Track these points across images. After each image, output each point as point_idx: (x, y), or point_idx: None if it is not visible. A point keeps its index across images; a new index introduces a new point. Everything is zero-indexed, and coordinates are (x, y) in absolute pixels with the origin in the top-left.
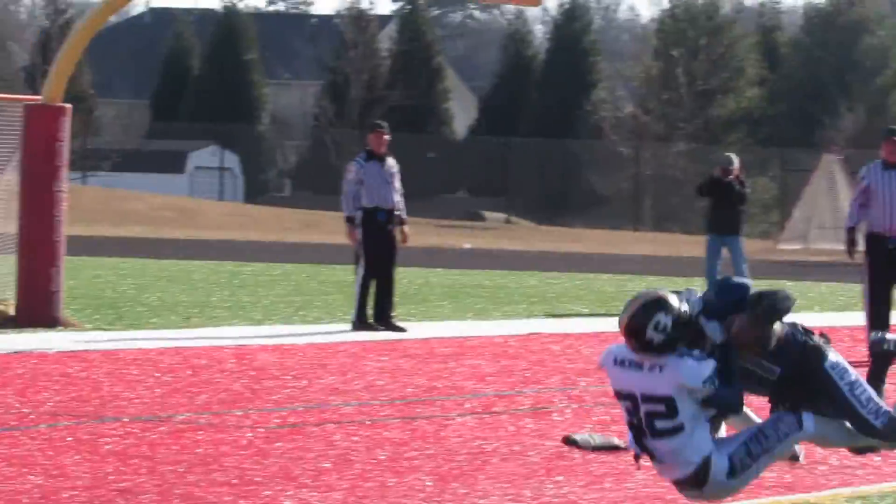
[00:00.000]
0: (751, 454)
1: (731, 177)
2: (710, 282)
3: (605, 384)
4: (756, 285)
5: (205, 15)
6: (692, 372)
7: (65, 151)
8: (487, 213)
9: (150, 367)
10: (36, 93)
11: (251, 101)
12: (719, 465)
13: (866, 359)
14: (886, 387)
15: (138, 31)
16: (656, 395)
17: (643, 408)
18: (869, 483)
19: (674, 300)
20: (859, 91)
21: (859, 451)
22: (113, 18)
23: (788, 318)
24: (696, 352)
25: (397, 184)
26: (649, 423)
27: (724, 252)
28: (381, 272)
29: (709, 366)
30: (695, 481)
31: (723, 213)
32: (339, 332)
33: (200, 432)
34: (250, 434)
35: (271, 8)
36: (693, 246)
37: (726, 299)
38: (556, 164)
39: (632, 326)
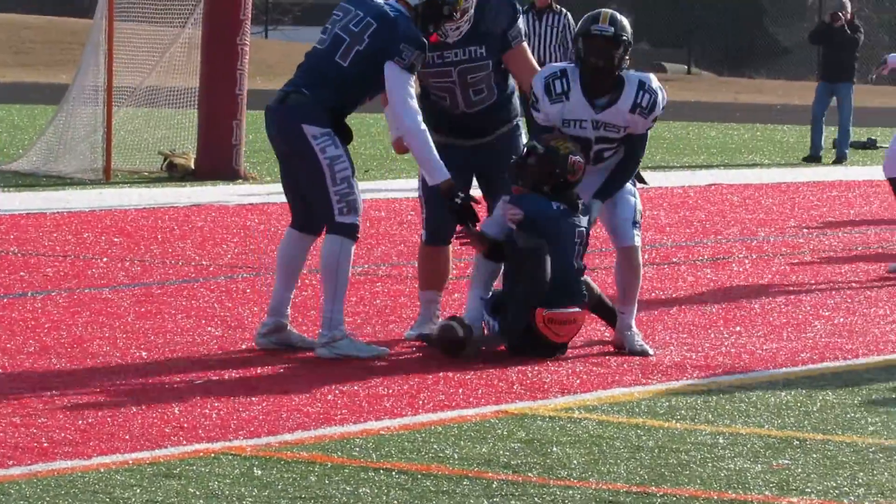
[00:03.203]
0: None
1: (840, 23)
2: (814, 127)
3: (785, 234)
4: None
5: None
6: None
7: (248, 4)
8: (668, 65)
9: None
10: None
11: None
12: None
13: None
14: None
15: None
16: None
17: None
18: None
19: None
20: None
21: None
22: None
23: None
24: None
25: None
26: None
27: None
28: None
29: None
30: None
31: (833, 59)
32: None
33: (378, 284)
34: None
35: None
36: (875, 96)
37: None
38: (739, 15)
39: None
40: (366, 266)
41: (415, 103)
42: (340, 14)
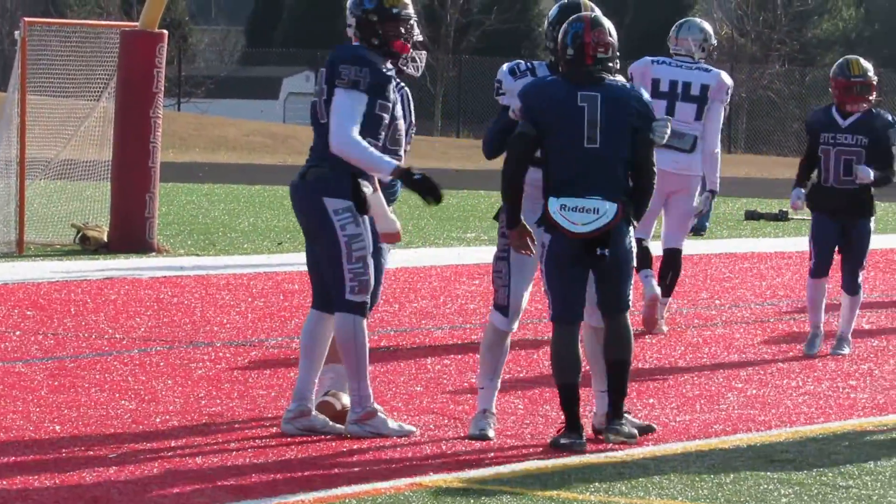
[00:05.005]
0: None
1: None
2: None
3: (697, 306)
4: None
5: None
6: None
7: (161, 78)
8: None
9: (242, 292)
10: (132, 20)
11: (345, 26)
12: None
13: None
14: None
15: None
16: None
17: None
18: None
19: None
20: None
21: None
22: None
23: None
24: None
25: None
26: None
27: None
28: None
29: None
30: None
31: None
32: (430, 256)
33: (293, 357)
34: None
35: None
36: (786, 168)
37: None
38: None
39: None
40: (280, 339)
41: (349, 124)
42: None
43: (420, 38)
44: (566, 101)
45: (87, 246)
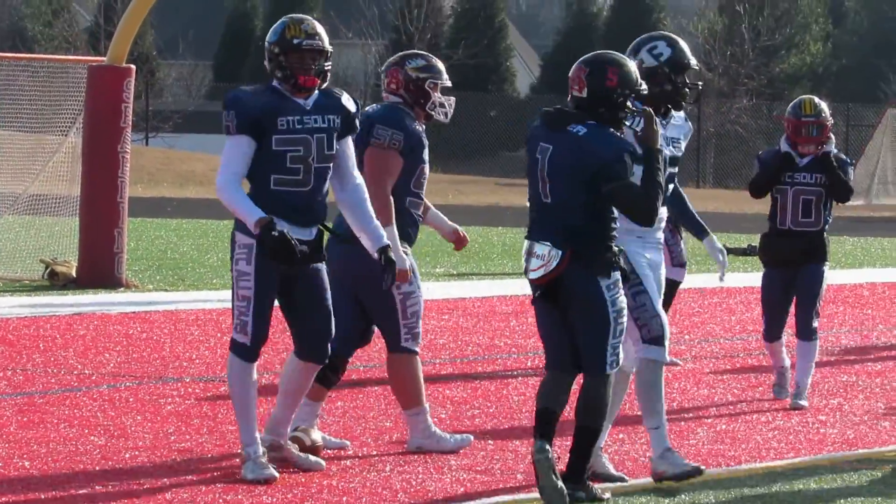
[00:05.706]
0: None
1: None
2: None
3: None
4: None
5: None
6: None
7: (129, 112)
8: None
9: (211, 327)
10: (99, 54)
11: None
12: None
13: None
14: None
15: None
16: None
17: None
18: None
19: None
20: None
21: None
22: None
23: None
24: None
25: None
26: None
27: None
28: None
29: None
30: None
31: None
32: None
33: (261, 392)
34: None
35: None
36: (753, 203)
37: None
38: None
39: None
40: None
41: (223, 171)
42: None
43: (448, 83)
44: (531, 152)
45: (55, 281)
